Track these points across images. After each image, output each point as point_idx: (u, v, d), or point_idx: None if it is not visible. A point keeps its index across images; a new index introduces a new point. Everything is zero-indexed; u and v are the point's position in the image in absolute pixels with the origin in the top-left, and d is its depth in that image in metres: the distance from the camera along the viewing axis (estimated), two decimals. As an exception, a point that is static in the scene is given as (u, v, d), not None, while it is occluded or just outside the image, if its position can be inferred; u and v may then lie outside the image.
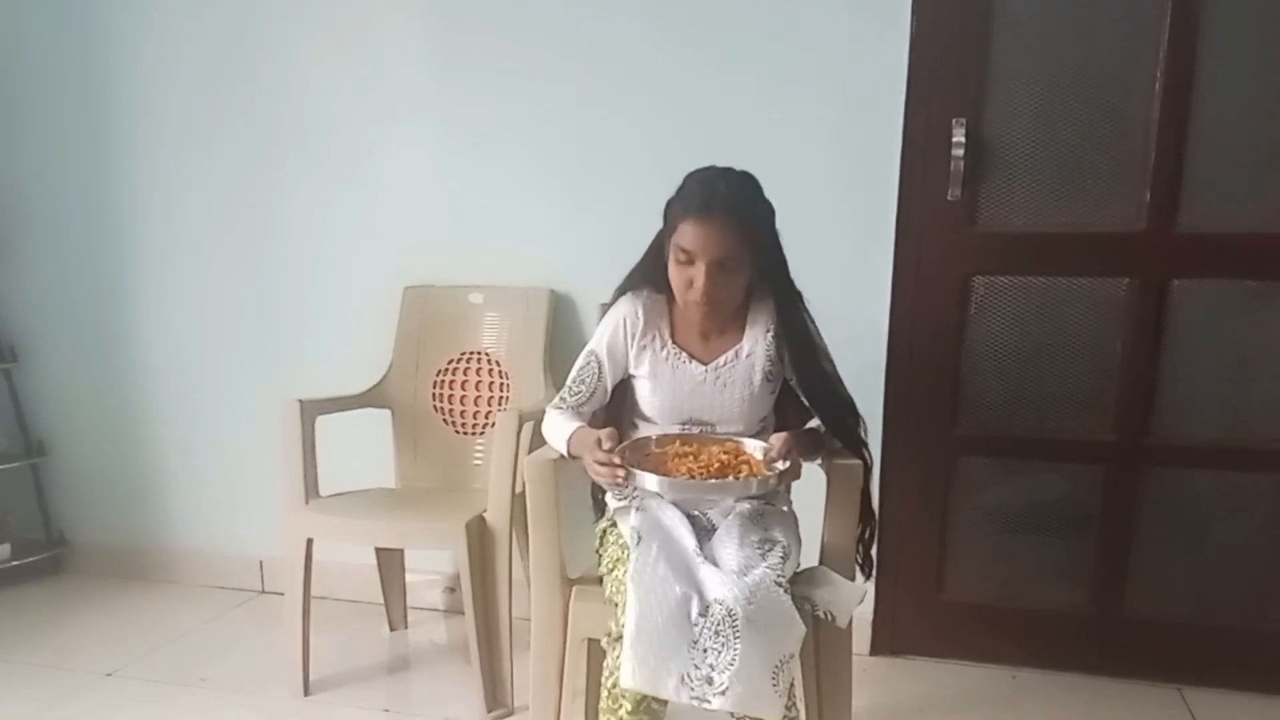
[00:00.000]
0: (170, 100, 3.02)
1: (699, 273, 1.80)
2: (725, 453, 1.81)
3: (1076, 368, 2.56)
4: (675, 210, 1.83)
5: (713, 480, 1.72)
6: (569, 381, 2.02)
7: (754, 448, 1.84)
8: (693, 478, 1.73)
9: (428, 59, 2.81)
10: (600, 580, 1.91)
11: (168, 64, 2.99)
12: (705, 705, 1.58)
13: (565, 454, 1.93)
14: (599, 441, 1.77)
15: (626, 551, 1.78)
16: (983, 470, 2.69)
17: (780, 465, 1.76)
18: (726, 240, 1.78)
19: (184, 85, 3.00)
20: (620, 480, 1.74)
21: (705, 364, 1.94)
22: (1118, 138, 2.44)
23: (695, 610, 1.61)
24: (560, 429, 1.94)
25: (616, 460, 1.74)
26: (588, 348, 2.01)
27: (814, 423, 1.96)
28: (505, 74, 2.75)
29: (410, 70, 2.82)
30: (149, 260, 3.14)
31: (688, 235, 1.79)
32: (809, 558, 1.89)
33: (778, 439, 1.79)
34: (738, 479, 1.73)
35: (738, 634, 1.57)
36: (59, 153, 3.14)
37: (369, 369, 2.84)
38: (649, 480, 1.70)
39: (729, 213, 1.78)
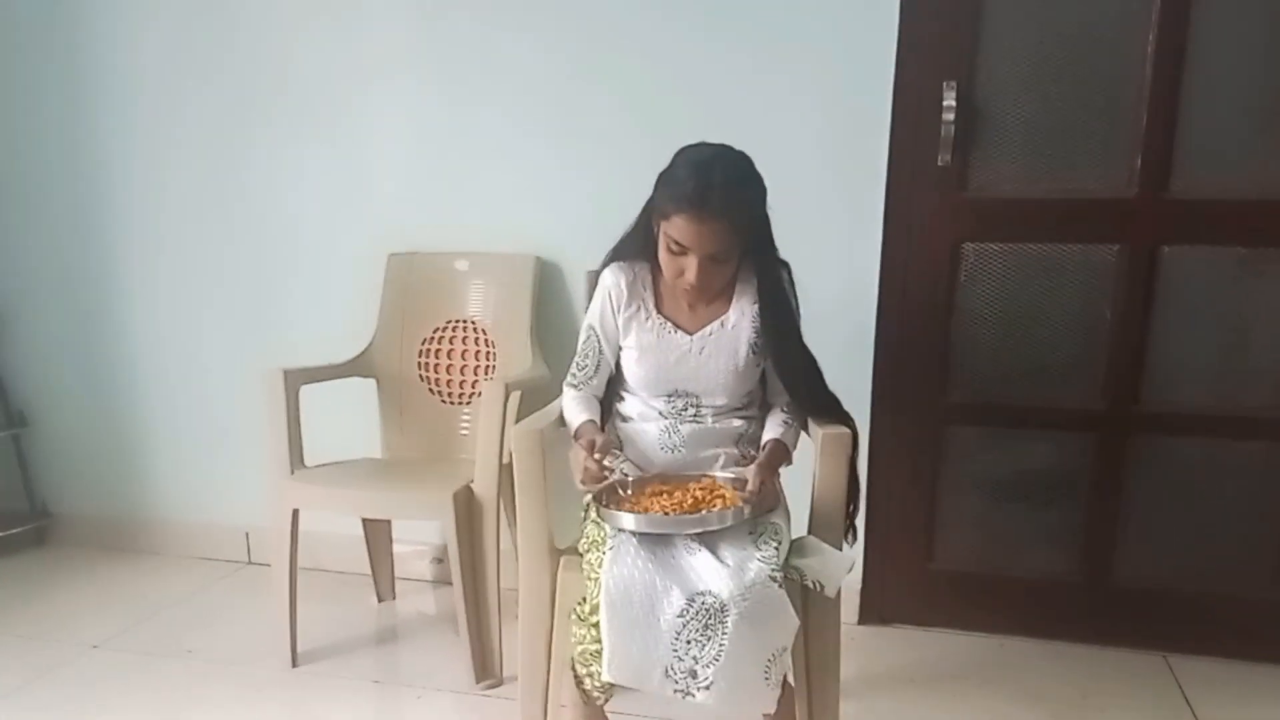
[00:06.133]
0: (148, 67, 2.96)
1: (690, 264, 1.79)
2: (701, 488, 1.79)
3: (1067, 335, 2.55)
4: (667, 196, 1.78)
5: (688, 515, 1.70)
6: (575, 357, 2.03)
7: (727, 480, 1.83)
8: (667, 514, 1.71)
9: (411, 20, 2.75)
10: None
11: (146, 26, 2.93)
12: (690, 699, 1.58)
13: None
14: (591, 445, 1.79)
15: (603, 533, 1.76)
16: (972, 439, 2.68)
17: (754, 498, 1.75)
18: (720, 236, 1.76)
19: (161, 51, 2.94)
20: (594, 483, 1.79)
21: (690, 333, 1.93)
22: (1110, 103, 2.42)
23: (678, 601, 1.59)
24: (572, 416, 1.96)
25: (595, 463, 1.77)
26: (586, 322, 2.02)
27: (776, 431, 1.93)
28: (491, 36, 2.70)
29: (393, 32, 2.77)
30: (129, 228, 3.10)
31: (680, 229, 1.76)
32: (797, 526, 1.88)
33: (751, 473, 1.78)
34: (712, 512, 1.71)
35: (725, 629, 1.56)
36: (36, 120, 3.08)
37: (353, 338, 2.81)
38: (625, 519, 1.69)
39: (724, 209, 1.73)
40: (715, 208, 1.73)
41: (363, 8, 2.77)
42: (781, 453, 1.91)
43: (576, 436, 1.92)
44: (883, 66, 2.45)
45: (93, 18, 2.96)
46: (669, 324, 1.94)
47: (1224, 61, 2.33)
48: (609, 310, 1.96)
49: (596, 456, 1.77)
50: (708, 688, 1.57)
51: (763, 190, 1.83)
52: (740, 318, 1.93)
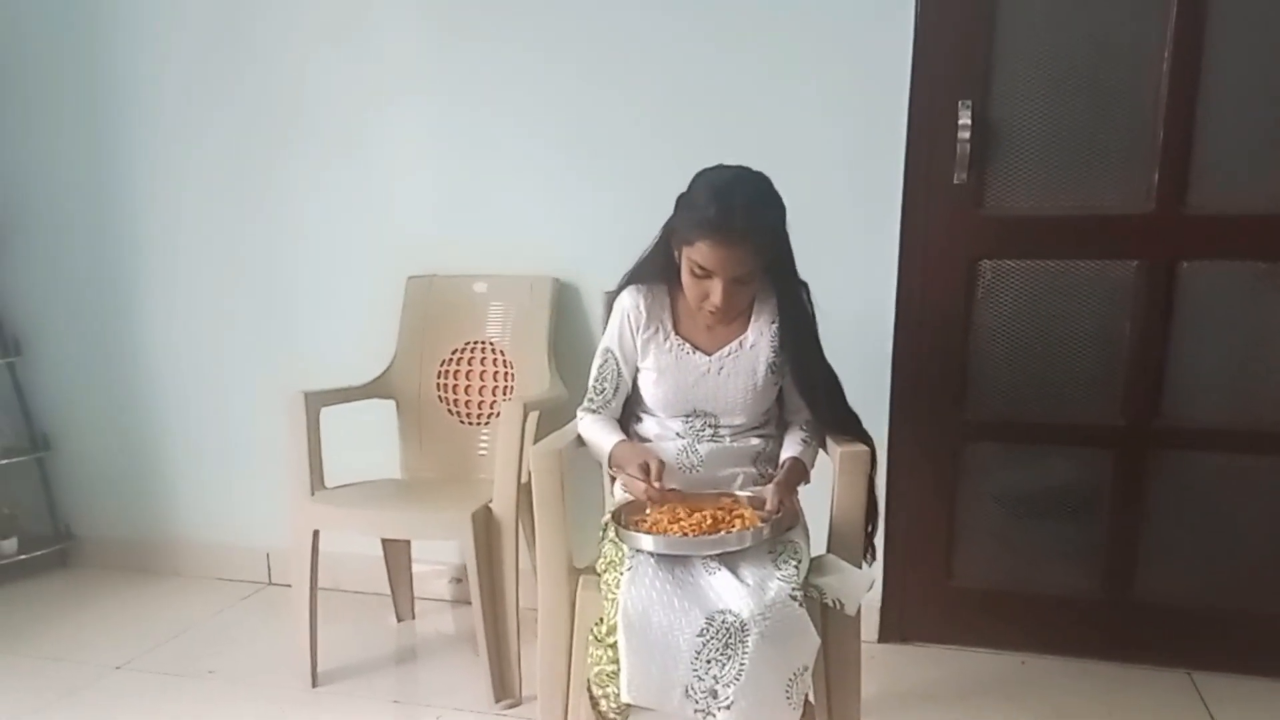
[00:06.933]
0: (167, 91, 3.01)
1: (716, 288, 1.78)
2: (718, 508, 1.79)
3: (1085, 351, 2.54)
4: (689, 221, 1.78)
5: (707, 536, 1.70)
6: (592, 381, 2.03)
7: (746, 500, 1.83)
8: (686, 535, 1.71)
9: (427, 41, 2.79)
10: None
11: (164, 50, 2.98)
12: (711, 719, 1.57)
13: (606, 466, 1.95)
14: (646, 469, 1.78)
15: (621, 553, 1.76)
16: (991, 455, 2.67)
17: (774, 516, 1.75)
18: (744, 258, 1.76)
19: (181, 74, 2.98)
20: (653, 499, 1.78)
21: (709, 354, 1.93)
22: (1126, 118, 2.42)
23: (698, 621, 1.59)
24: (602, 438, 1.95)
25: (655, 491, 1.76)
26: (602, 345, 2.02)
27: (794, 450, 1.94)
28: (506, 57, 2.73)
29: (409, 54, 2.80)
30: (150, 252, 3.13)
31: (705, 254, 1.76)
32: (816, 544, 1.88)
33: (770, 493, 1.78)
34: (731, 533, 1.71)
35: (746, 648, 1.56)
36: (56, 144, 3.13)
37: (373, 360, 2.83)
38: (643, 540, 1.69)
39: (747, 231, 1.74)
40: (738, 231, 1.73)
41: (378, 30, 2.81)
42: (800, 471, 1.91)
43: (618, 461, 1.90)
44: (898, 85, 2.46)
45: (111, 44, 3.01)
46: (687, 345, 1.94)
47: (1240, 76, 2.33)
48: (628, 332, 1.96)
49: (657, 486, 1.76)
50: (729, 708, 1.56)
51: (783, 210, 1.83)
52: (759, 337, 1.93)
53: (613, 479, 2.06)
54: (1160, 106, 2.36)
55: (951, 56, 2.44)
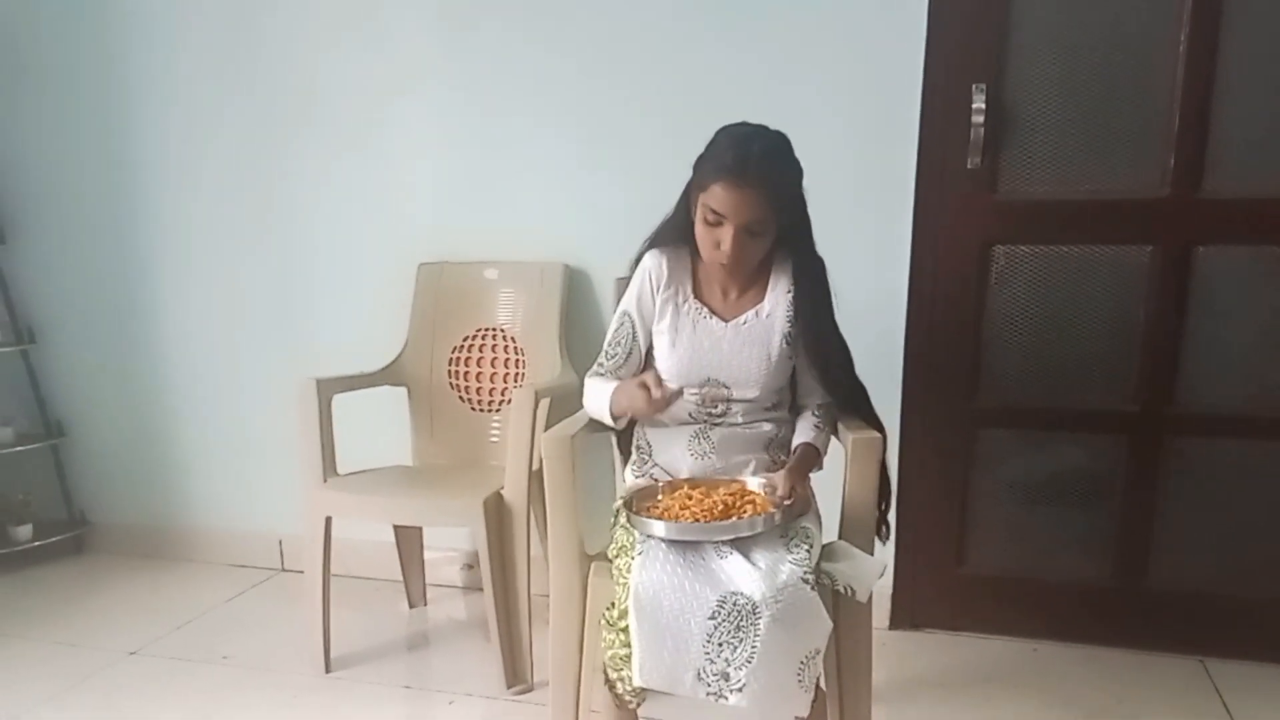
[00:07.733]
0: (180, 83, 3.01)
1: (726, 234, 1.79)
2: (730, 494, 1.79)
3: (1099, 337, 2.53)
4: (706, 168, 1.81)
5: (719, 522, 1.70)
6: (605, 345, 2.02)
7: (758, 486, 1.83)
8: (697, 521, 1.71)
9: (437, 31, 2.78)
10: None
11: (178, 40, 2.98)
12: (723, 702, 1.57)
13: (610, 416, 1.92)
14: (644, 385, 1.78)
15: (632, 538, 1.76)
16: (1003, 442, 2.66)
17: (785, 502, 1.74)
18: (757, 205, 1.77)
19: (193, 68, 2.99)
20: (663, 405, 1.79)
21: (726, 321, 1.93)
22: (1141, 102, 2.40)
23: (710, 603, 1.59)
24: (601, 393, 1.94)
25: (658, 396, 1.76)
26: (620, 309, 2.02)
27: (807, 435, 1.94)
28: (517, 46, 2.72)
29: (421, 44, 2.80)
30: (164, 240, 3.14)
31: (718, 197, 1.77)
32: (828, 530, 1.87)
33: (781, 479, 1.78)
34: (743, 519, 1.71)
35: (757, 631, 1.56)
36: (71, 134, 3.13)
37: (385, 347, 2.83)
38: (656, 526, 1.69)
39: (761, 178, 1.76)
40: (753, 176, 1.75)
41: (390, 21, 2.80)
42: (812, 456, 1.91)
43: (618, 401, 1.88)
44: (911, 70, 2.45)
45: (126, 35, 3.01)
46: (705, 309, 1.94)
47: (1257, 58, 2.31)
48: (648, 291, 1.96)
49: (657, 394, 1.75)
50: (741, 690, 1.56)
51: (799, 171, 1.84)
52: (775, 307, 1.93)
53: (624, 461, 2.06)
54: (1176, 90, 2.34)
55: (966, 38, 2.42)
